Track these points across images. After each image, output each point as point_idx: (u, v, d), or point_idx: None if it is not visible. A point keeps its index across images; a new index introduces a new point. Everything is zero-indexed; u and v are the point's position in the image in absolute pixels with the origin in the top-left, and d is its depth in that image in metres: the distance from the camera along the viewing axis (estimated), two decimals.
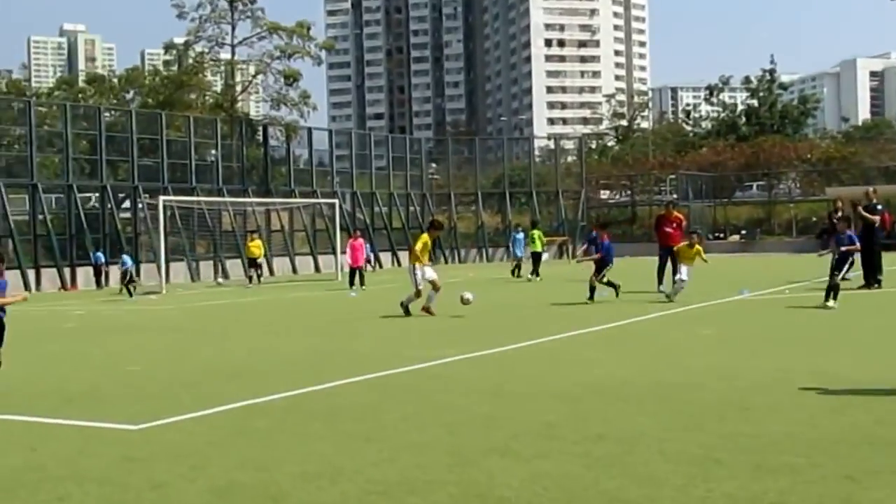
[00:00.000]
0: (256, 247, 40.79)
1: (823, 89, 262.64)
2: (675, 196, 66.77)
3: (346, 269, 37.08)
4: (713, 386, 11.16)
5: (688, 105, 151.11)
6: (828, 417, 9.13)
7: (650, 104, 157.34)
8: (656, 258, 28.09)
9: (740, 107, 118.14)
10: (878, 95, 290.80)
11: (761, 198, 78.54)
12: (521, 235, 40.71)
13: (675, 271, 27.04)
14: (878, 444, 8.07)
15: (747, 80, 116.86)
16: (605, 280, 24.55)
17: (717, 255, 63.06)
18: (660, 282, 27.12)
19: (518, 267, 39.79)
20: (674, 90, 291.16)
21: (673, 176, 77.74)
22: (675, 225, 27.85)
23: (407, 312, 21.33)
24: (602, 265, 24.64)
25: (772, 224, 75.47)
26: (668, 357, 13.72)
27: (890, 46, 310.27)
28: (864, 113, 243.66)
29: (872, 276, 25.98)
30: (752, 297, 24.89)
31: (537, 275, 37.18)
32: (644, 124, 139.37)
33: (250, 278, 39.83)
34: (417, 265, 21.77)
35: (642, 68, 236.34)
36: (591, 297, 24.14)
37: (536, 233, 39.40)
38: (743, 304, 23.41)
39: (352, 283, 34.88)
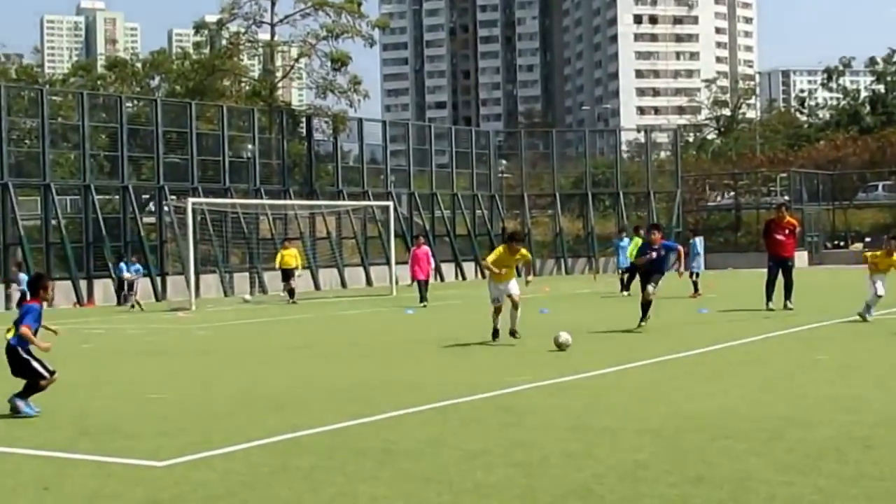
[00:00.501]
0: (291, 256, 40.63)
1: None
2: (786, 198, 66.22)
3: (412, 283, 37.17)
4: (832, 420, 11.05)
5: (802, 91, 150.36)
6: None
7: (757, 90, 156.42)
8: (765, 270, 27.89)
9: (864, 93, 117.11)
10: None
11: (889, 200, 77.70)
12: (626, 242, 39.32)
13: (787, 287, 26.85)
14: None
15: (872, 61, 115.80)
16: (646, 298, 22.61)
17: (836, 267, 62.52)
18: (769, 298, 26.95)
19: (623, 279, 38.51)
20: (785, 74, 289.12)
21: (784, 174, 77.15)
22: (787, 231, 27.63)
23: (493, 335, 20.51)
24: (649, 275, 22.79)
25: None
26: (780, 386, 13.62)
27: None
28: None
29: None
30: (877, 317, 24.62)
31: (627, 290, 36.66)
32: (750, 114, 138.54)
33: (290, 293, 39.88)
34: (490, 280, 20.63)
35: (748, 48, 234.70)
36: (645, 318, 22.72)
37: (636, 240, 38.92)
38: (867, 324, 23.16)
39: (422, 298, 34.90)
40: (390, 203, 50.39)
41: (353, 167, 59.98)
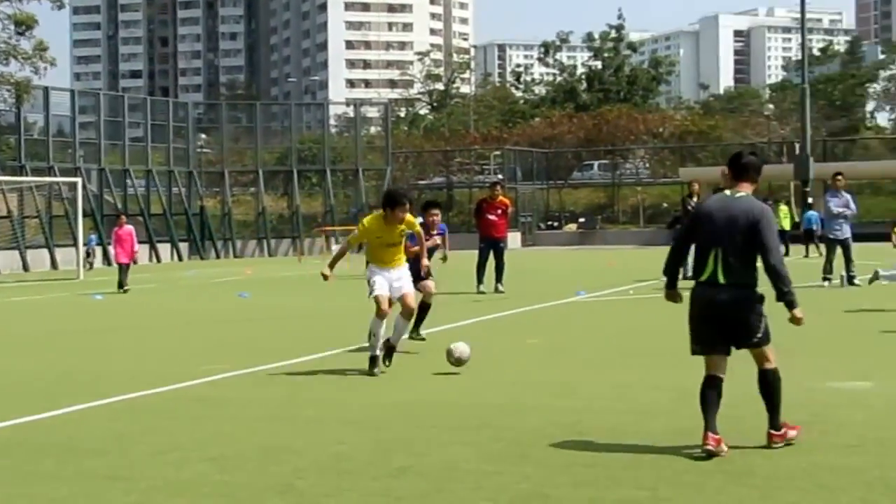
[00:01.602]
0: None
1: (679, 51, 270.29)
2: (500, 176, 67.62)
3: (86, 267, 36.28)
4: (541, 406, 11.34)
5: (518, 66, 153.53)
6: (676, 442, 9.36)
7: (472, 65, 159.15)
8: (476, 252, 28.37)
9: (581, 69, 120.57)
10: (743, 59, 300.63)
11: (603, 179, 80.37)
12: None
13: (498, 270, 27.31)
14: (722, 474, 8.35)
15: (590, 37, 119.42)
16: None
17: (550, 249, 64.28)
18: (479, 281, 27.43)
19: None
20: (501, 48, 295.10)
21: (498, 152, 78.82)
22: (500, 212, 28.18)
23: (372, 363, 14.05)
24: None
25: (615, 211, 77.32)
26: (488, 372, 13.84)
27: (757, 1, 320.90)
28: (726, 80, 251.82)
29: None
30: (589, 299, 25.40)
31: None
32: (464, 89, 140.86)
33: None
34: (371, 266, 14.48)
35: (463, 21, 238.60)
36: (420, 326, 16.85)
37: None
38: (578, 307, 23.87)
39: (122, 283, 33.64)
40: (78, 179, 49.19)
41: (37, 140, 58.24)
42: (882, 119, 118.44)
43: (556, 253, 58.22)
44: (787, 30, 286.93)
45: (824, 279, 26.86)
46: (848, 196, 27.01)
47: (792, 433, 9.18)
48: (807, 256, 42.80)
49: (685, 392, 11.63)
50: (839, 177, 27.40)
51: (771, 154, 79.01)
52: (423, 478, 8.41)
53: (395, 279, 14.27)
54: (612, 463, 8.71)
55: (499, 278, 27.46)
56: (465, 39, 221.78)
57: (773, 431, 9.11)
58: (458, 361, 13.84)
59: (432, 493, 7.98)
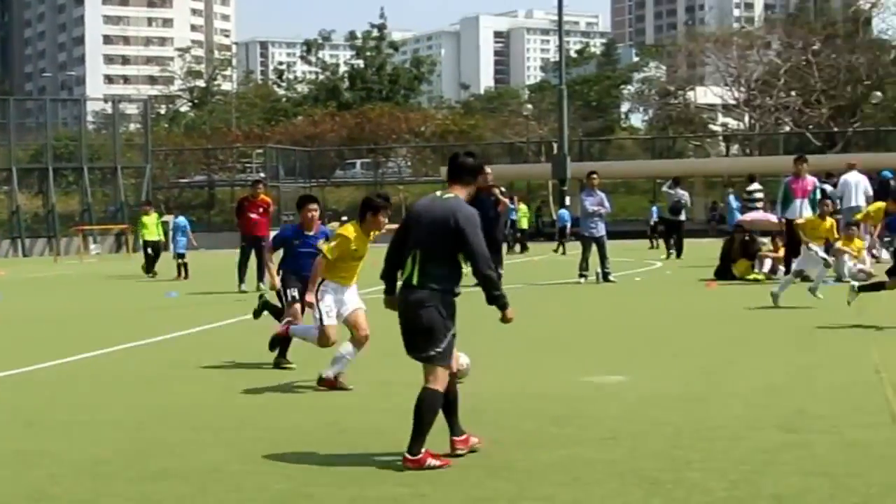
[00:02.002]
0: None
1: (441, 51, 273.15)
2: (262, 175, 67.21)
3: None
4: (302, 405, 11.37)
5: (280, 64, 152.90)
6: (435, 438, 9.46)
7: (234, 62, 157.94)
8: (237, 251, 28.22)
9: (343, 68, 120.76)
10: (503, 60, 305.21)
11: (366, 178, 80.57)
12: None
13: (260, 269, 27.18)
14: (480, 468, 8.52)
15: (352, 36, 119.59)
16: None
17: None
18: (241, 280, 27.31)
19: (179, 266, 35.26)
20: (263, 45, 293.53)
21: (260, 150, 78.32)
22: (261, 210, 28.12)
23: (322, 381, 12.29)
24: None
25: None
26: (247, 373, 13.74)
27: (516, 3, 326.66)
28: (486, 80, 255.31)
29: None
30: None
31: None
32: (226, 86, 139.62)
33: None
34: (327, 283, 12.68)
35: (225, 17, 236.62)
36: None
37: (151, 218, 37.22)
38: None
39: None
40: None
41: None
42: (636, 120, 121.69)
43: None
44: (545, 31, 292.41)
45: (580, 276, 27.45)
46: (602, 195, 27.72)
47: (434, 462, 8.48)
48: (564, 254, 43.67)
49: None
50: (594, 176, 28.14)
51: (529, 154, 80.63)
52: (183, 480, 8.34)
53: (347, 298, 12.77)
54: (374, 461, 8.78)
55: (261, 277, 27.31)
56: (227, 36, 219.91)
57: (408, 455, 8.46)
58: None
59: (192, 495, 7.93)
